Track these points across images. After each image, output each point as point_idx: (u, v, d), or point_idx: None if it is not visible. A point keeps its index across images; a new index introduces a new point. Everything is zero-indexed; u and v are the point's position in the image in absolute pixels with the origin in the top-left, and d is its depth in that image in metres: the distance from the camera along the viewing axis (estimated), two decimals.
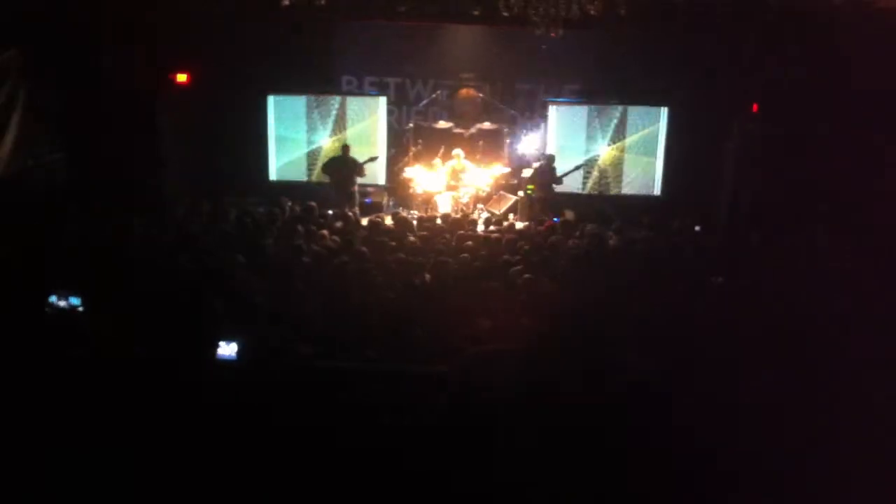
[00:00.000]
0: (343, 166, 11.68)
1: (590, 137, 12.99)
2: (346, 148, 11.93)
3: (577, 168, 12.54)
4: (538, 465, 2.49)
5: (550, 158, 11.99)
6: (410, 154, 12.93)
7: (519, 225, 11.06)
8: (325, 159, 12.39)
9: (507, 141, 13.23)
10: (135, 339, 4.59)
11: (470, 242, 8.79)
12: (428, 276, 7.05)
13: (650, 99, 12.82)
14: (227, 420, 2.98)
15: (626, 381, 2.95)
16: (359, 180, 11.77)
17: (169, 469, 3.08)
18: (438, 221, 10.62)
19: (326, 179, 11.89)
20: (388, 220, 10.57)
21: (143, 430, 3.34)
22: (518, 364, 2.85)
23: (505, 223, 10.90)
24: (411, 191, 12.43)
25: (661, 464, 2.51)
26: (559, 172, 11.87)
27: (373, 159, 12.08)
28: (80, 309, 5.22)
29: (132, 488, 3.09)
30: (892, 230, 8.61)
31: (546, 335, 3.15)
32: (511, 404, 2.72)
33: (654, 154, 12.95)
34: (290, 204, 10.66)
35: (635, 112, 12.93)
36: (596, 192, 13.06)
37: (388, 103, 13.14)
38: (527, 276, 6.84)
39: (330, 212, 10.61)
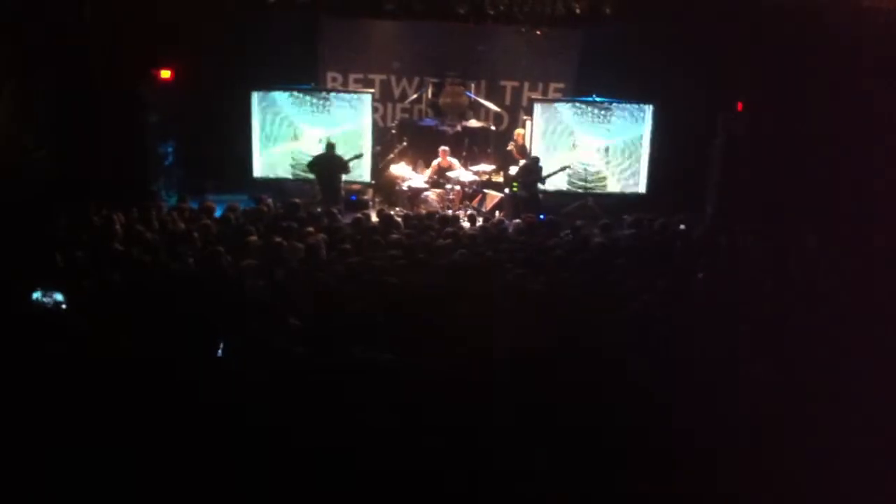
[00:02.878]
0: (328, 164, 11.63)
1: (575, 135, 12.98)
2: (331, 145, 11.86)
3: (562, 169, 12.51)
4: (535, 465, 2.48)
5: (535, 160, 11.94)
6: (396, 151, 12.90)
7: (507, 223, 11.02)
8: (311, 157, 12.32)
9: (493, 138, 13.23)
10: (120, 336, 4.53)
11: (450, 240, 8.74)
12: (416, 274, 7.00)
13: (635, 97, 12.84)
14: (218, 419, 2.95)
15: (623, 380, 2.95)
16: (344, 177, 11.73)
17: (158, 469, 3.05)
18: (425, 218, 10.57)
19: (312, 177, 11.83)
20: (374, 218, 10.51)
21: (126, 428, 3.30)
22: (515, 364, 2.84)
23: (491, 221, 10.88)
24: (397, 188, 12.41)
25: (659, 463, 2.50)
26: (544, 172, 11.85)
27: (358, 157, 12.04)
28: (64, 306, 5.16)
29: (119, 489, 3.06)
30: (878, 226, 8.69)
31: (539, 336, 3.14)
32: (508, 405, 2.71)
33: (639, 152, 12.96)
34: (270, 200, 10.56)
35: (620, 110, 12.95)
36: (581, 191, 13.05)
37: (374, 100, 13.06)
38: (517, 272, 6.83)
39: (318, 209, 10.55)
